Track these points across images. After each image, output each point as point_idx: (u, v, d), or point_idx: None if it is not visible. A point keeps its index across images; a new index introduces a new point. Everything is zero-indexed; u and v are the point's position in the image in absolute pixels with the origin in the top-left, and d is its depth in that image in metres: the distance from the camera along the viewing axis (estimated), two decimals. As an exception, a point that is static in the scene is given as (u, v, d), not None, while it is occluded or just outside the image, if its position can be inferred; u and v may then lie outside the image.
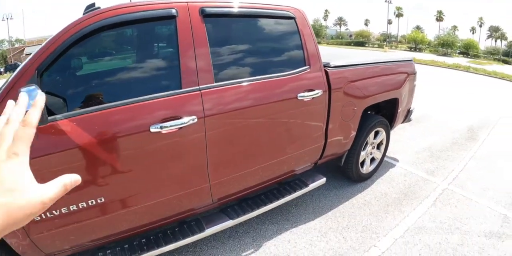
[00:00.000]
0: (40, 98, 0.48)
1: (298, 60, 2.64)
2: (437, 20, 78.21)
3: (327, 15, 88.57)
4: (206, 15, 2.13)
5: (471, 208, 3.54)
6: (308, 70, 2.63)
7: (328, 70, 2.77)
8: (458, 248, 2.84)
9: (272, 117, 2.46)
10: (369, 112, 3.66)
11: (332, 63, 2.84)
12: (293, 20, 2.63)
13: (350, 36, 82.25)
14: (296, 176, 3.07)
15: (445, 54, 49.80)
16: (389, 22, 78.61)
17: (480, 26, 78.87)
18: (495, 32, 75.38)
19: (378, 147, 3.86)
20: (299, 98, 2.51)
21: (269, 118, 2.44)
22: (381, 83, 3.37)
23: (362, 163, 3.68)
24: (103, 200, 1.82)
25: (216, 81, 2.12)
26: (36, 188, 0.43)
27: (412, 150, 5.05)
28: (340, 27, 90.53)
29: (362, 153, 3.54)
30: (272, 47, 2.63)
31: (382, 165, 4.18)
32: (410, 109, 4.30)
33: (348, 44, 62.80)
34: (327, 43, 61.39)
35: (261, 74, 2.40)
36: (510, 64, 46.09)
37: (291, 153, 2.72)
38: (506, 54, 65.19)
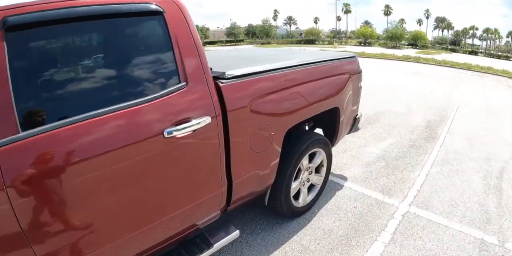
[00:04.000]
0: None
1: (166, 76, 1.74)
2: (385, 14, 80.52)
3: (276, 15, 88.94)
4: (10, 28, 1.28)
5: (440, 236, 2.79)
6: (185, 88, 1.72)
7: (221, 84, 1.88)
8: None
9: (131, 168, 1.56)
10: (300, 128, 2.82)
11: (229, 73, 1.95)
12: (160, 16, 1.71)
13: (300, 34, 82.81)
14: (199, 230, 2.17)
15: (394, 47, 51.08)
16: (338, 19, 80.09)
17: (427, 17, 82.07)
18: (441, 23, 78.61)
19: (318, 170, 3.02)
20: (167, 135, 1.61)
21: (127, 168, 1.54)
22: (312, 91, 2.54)
23: (297, 194, 2.82)
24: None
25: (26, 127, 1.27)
26: None
27: (363, 161, 4.28)
28: (290, 26, 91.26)
29: (294, 185, 2.69)
30: (123, 60, 1.69)
31: (326, 189, 3.36)
32: (357, 117, 3.51)
33: (299, 42, 62.92)
34: (277, 43, 61.11)
35: (104, 106, 1.47)
36: (457, 52, 48.09)
37: (175, 212, 1.81)
38: (453, 43, 68.35)
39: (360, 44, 59.95)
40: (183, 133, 1.67)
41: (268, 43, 62.19)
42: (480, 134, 5.72)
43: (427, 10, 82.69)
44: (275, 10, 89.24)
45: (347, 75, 3.05)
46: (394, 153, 4.56)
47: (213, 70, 1.97)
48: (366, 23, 77.75)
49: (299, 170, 2.70)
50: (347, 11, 79.98)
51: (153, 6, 1.67)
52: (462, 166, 4.25)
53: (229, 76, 1.93)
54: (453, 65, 20.43)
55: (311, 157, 2.83)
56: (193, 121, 1.69)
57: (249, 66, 2.13)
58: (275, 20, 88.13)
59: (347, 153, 4.51)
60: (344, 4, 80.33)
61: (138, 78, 1.67)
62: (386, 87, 10.37)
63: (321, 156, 2.90)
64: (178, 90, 1.71)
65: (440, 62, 21.47)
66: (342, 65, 3.05)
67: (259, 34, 77.70)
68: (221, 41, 72.64)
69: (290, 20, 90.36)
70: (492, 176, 4.01)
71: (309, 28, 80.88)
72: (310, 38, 68.68)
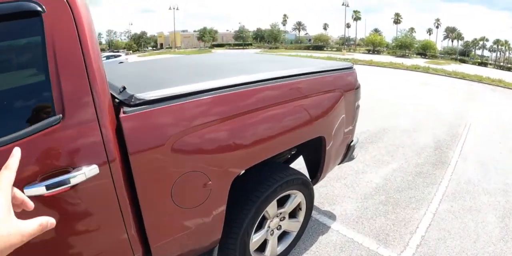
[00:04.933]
0: (17, 151, 0.58)
1: (33, 106, 1.14)
2: (395, 22, 79.64)
3: (285, 20, 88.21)
4: None
5: None
6: (59, 123, 1.10)
7: (122, 114, 1.24)
8: None
9: None
10: (265, 163, 2.15)
11: (138, 96, 1.30)
12: (36, 19, 1.08)
13: (309, 40, 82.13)
14: None
15: (403, 56, 50.32)
16: (348, 25, 79.23)
17: (437, 27, 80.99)
18: (451, 33, 77.40)
19: (294, 214, 2.36)
20: (29, 194, 1.02)
21: None
22: (280, 118, 1.86)
23: (263, 245, 2.17)
24: None
25: None
26: (16, 222, 0.49)
27: (359, 193, 3.60)
28: (299, 31, 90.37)
29: (257, 237, 2.04)
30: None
31: (307, 231, 2.71)
32: (352, 144, 2.83)
33: (307, 48, 62.34)
34: (286, 48, 60.75)
35: None
36: (467, 63, 47.25)
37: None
38: (462, 53, 67.38)
39: (368, 52, 59.14)
40: (54, 191, 1.05)
41: (276, 48, 61.85)
42: (495, 159, 5.02)
43: (438, 20, 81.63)
44: (285, 15, 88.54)
45: (338, 92, 2.38)
46: (397, 183, 3.88)
47: (126, 90, 1.35)
48: (376, 30, 76.63)
49: (264, 218, 2.06)
50: (357, 18, 79.13)
51: (27, 4, 1.04)
52: (476, 202, 3.56)
53: (137, 102, 1.27)
54: (463, 76, 19.70)
55: (283, 201, 2.18)
56: (70, 174, 1.08)
57: (183, 84, 1.48)
58: (284, 25, 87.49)
59: (340, 182, 3.83)
60: (354, 11, 79.46)
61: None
62: (393, 99, 9.69)
63: (297, 198, 2.25)
64: (49, 127, 1.08)
65: (450, 73, 20.76)
66: (332, 80, 2.35)
67: (267, 39, 77.40)
68: (229, 44, 72.51)
69: (299, 26, 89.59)
70: (511, 215, 3.32)
71: (318, 34, 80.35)
72: (318, 44, 68.20)
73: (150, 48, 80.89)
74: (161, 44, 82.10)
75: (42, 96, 1.14)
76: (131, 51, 68.55)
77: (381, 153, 4.92)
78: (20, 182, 1.01)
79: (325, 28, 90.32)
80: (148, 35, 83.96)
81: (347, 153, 2.78)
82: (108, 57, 28.53)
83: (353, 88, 2.58)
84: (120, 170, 1.21)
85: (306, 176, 2.25)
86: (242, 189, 1.84)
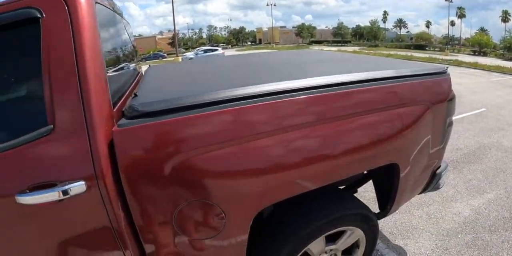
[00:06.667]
0: None
1: (24, 115, 1.16)
2: (503, 20, 70.47)
3: (385, 17, 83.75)
4: None
5: None
6: (50, 134, 1.05)
7: (116, 128, 1.10)
8: None
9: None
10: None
11: (139, 106, 1.14)
12: (33, 26, 1.08)
13: (411, 39, 76.90)
14: None
15: (512, 59, 44.13)
16: (452, 23, 72.12)
17: (553, 25, 69.74)
18: None
19: (349, 251, 1.95)
20: (20, 201, 1.03)
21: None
22: (333, 138, 1.48)
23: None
24: None
25: None
26: None
27: (441, 227, 2.97)
28: (400, 29, 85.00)
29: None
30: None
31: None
32: (438, 171, 2.27)
33: (408, 47, 57.79)
34: (386, 46, 57.62)
35: None
36: None
37: None
38: None
39: (474, 53, 53.07)
40: (42, 201, 1.03)
41: (376, 46, 59.21)
42: None
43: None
44: (385, 12, 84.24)
45: (423, 106, 1.86)
46: (490, 219, 3.12)
47: (136, 98, 1.25)
48: (482, 30, 68.59)
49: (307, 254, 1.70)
50: (461, 16, 71.54)
51: (28, 11, 1.06)
52: None
53: (134, 114, 1.12)
54: None
55: (334, 237, 1.79)
56: (56, 188, 1.03)
57: (216, 89, 1.27)
58: (384, 22, 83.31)
59: (422, 209, 3.23)
60: (458, 7, 72.08)
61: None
62: (498, 111, 8.33)
63: (354, 235, 1.84)
64: (39, 138, 1.05)
65: None
66: (415, 88, 1.81)
67: (366, 36, 74.66)
68: (328, 41, 71.76)
69: (400, 23, 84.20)
70: None
71: (419, 32, 75.18)
72: (420, 43, 63.28)
73: (249, 43, 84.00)
74: (260, 40, 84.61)
75: (34, 105, 1.11)
76: (229, 46, 72.20)
77: (477, 177, 4.11)
78: (13, 190, 1.03)
79: (427, 26, 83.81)
80: (247, 30, 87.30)
81: (431, 182, 2.25)
82: (205, 51, 31.48)
83: (445, 99, 2.00)
84: (114, 190, 1.09)
85: (368, 211, 1.83)
86: (280, 222, 1.53)
